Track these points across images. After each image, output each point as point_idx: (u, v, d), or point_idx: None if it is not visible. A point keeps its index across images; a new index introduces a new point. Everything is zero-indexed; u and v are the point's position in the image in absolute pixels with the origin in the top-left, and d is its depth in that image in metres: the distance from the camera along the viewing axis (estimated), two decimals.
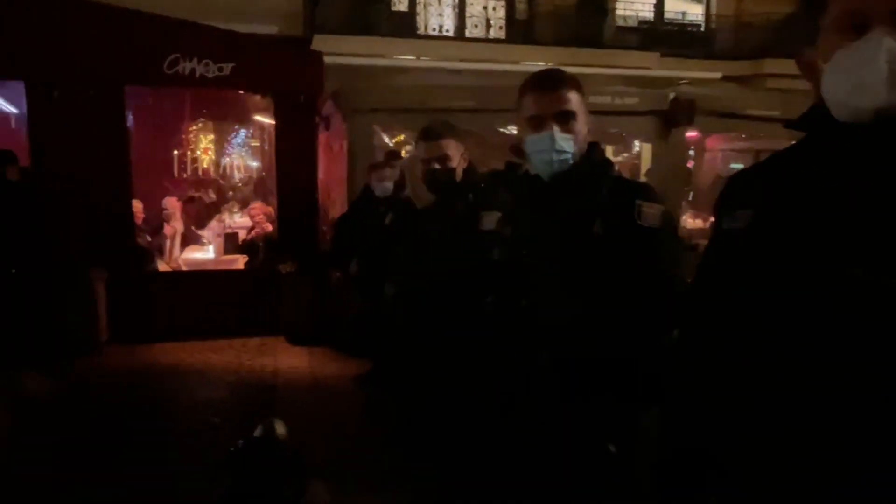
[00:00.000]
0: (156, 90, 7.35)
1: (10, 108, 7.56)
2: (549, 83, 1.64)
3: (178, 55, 6.08)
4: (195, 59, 6.12)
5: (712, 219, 1.23)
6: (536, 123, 1.63)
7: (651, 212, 1.55)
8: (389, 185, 4.90)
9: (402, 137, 7.38)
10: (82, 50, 5.83)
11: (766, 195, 1.02)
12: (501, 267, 1.71)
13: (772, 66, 11.09)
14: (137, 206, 6.95)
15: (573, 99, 1.63)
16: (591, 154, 1.68)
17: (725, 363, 1.02)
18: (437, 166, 2.49)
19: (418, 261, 2.59)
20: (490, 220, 2.33)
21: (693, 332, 1.15)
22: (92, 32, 5.87)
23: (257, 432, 1.39)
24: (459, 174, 2.52)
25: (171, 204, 8.03)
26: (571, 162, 1.62)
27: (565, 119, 1.62)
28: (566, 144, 1.60)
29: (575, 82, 1.66)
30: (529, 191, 1.70)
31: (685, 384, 1.14)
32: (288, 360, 5.74)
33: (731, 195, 1.10)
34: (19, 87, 6.32)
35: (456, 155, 2.51)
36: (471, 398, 2.47)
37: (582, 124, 1.65)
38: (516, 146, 2.06)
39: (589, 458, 1.67)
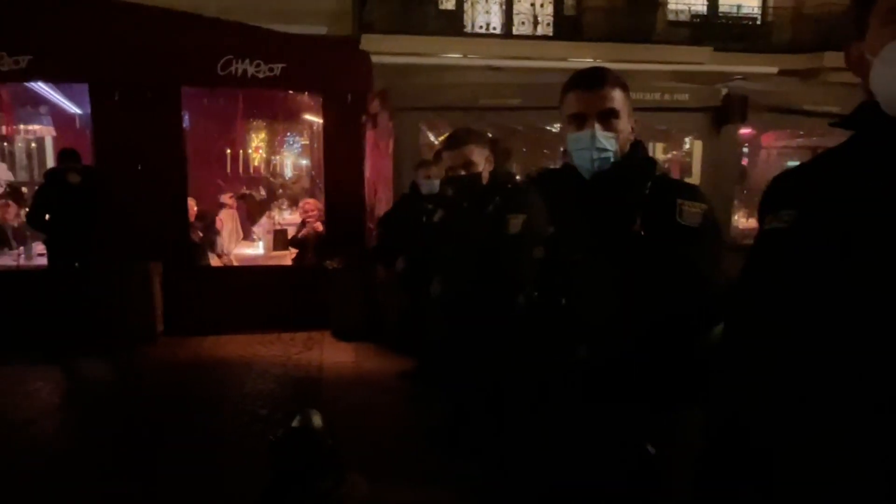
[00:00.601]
0: (208, 91, 7.58)
1: (76, 109, 7.95)
2: (592, 81, 1.63)
3: (231, 56, 6.26)
4: (247, 61, 6.29)
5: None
6: (578, 121, 1.63)
7: (692, 211, 1.53)
8: (436, 182, 4.91)
9: (443, 138, 7.40)
10: (141, 53, 6.06)
11: (811, 194, 0.99)
12: (542, 265, 1.72)
13: (833, 59, 10.65)
14: (190, 202, 7.19)
15: (616, 97, 1.63)
16: (634, 153, 1.66)
17: (770, 362, 1.00)
18: (462, 173, 2.52)
19: (458, 261, 2.62)
20: (516, 224, 2.36)
21: (737, 330, 1.13)
22: (150, 36, 6.10)
23: (294, 423, 1.43)
24: (486, 178, 2.55)
25: (224, 200, 8.29)
26: (612, 160, 1.61)
27: (607, 117, 1.62)
28: (607, 143, 1.60)
29: (619, 80, 1.65)
30: (573, 189, 1.70)
31: (729, 382, 1.12)
32: (334, 354, 5.85)
33: (775, 194, 1.08)
34: (84, 88, 6.65)
35: (480, 160, 2.55)
36: (509, 397, 2.48)
37: (625, 123, 1.64)
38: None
39: (627, 458, 1.66)
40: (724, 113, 6.48)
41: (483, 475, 2.85)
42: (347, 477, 1.40)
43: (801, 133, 7.97)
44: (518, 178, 4.60)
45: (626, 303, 1.51)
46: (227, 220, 8.02)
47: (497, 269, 2.28)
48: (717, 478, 1.19)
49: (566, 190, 1.71)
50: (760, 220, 1.10)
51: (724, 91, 6.57)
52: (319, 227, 7.11)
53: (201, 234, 7.43)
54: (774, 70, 10.29)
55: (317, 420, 1.41)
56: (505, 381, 2.42)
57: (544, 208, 1.80)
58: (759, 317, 1.05)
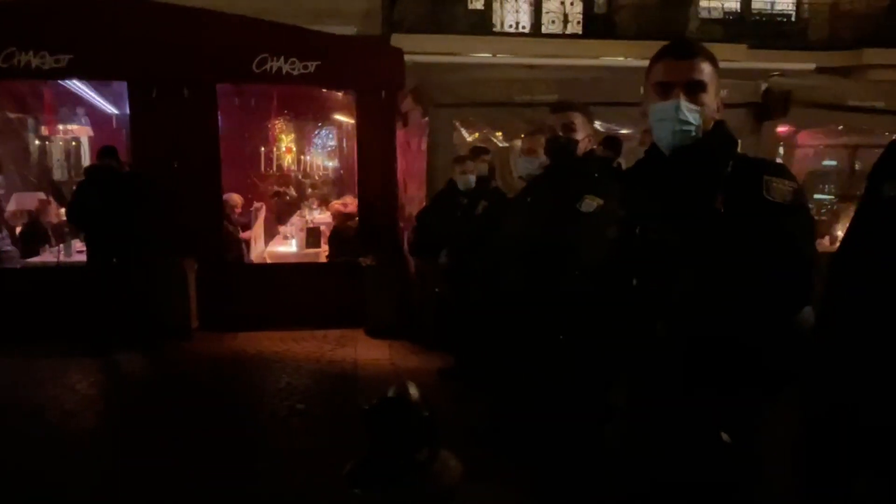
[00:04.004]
0: (240, 90, 7.64)
1: (112, 109, 8.05)
2: (683, 51, 1.59)
3: (266, 54, 6.29)
4: (282, 58, 6.32)
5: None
6: (664, 91, 1.57)
7: (782, 187, 1.47)
8: (472, 177, 4.90)
9: (477, 136, 7.33)
10: (179, 50, 6.11)
11: None
12: (614, 245, 1.66)
13: (871, 56, 10.43)
14: (238, 199, 7.24)
15: (706, 70, 1.57)
16: (717, 130, 1.60)
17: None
18: (561, 134, 2.49)
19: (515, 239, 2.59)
20: (590, 204, 2.30)
21: (853, 301, 1.06)
22: (187, 34, 6.16)
23: (390, 392, 1.38)
24: (582, 149, 2.51)
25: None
26: (693, 135, 1.56)
27: (694, 90, 1.56)
28: (691, 115, 1.54)
29: (710, 55, 1.60)
30: (652, 166, 1.64)
31: (838, 363, 1.05)
32: (368, 351, 5.82)
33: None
34: (121, 88, 6.73)
35: (581, 129, 2.52)
36: (562, 390, 2.41)
37: (711, 98, 1.58)
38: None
39: (699, 447, 1.57)
40: (765, 108, 6.34)
41: (534, 473, 2.78)
42: (442, 452, 1.35)
43: (841, 128, 7.75)
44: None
45: (706, 281, 1.45)
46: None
47: (560, 247, 2.24)
48: (825, 464, 1.12)
49: (645, 168, 1.66)
50: (874, 189, 1.04)
51: (765, 86, 6.43)
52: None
53: (230, 230, 7.43)
54: (811, 67, 10.08)
55: (413, 391, 1.36)
56: (557, 371, 2.36)
57: (619, 194, 1.75)
58: (879, 287, 0.98)
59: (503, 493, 3.17)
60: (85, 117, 8.24)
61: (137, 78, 6.23)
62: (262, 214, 7.89)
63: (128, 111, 6.67)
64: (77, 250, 6.63)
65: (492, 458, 3.22)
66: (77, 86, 7.23)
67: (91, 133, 8.45)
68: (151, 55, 6.09)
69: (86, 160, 8.60)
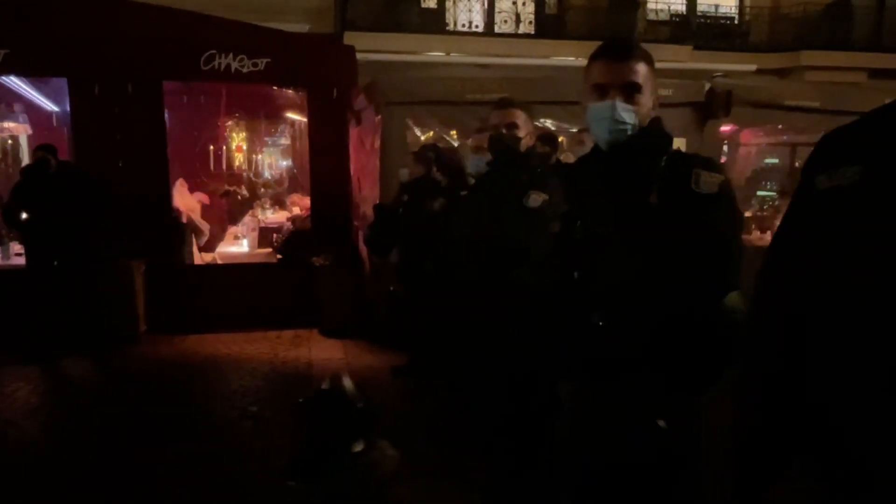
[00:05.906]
0: (190, 88, 7.45)
1: (52, 106, 7.74)
2: (619, 53, 1.63)
3: (214, 51, 6.16)
4: (230, 55, 6.20)
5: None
6: (600, 91, 1.62)
7: (709, 180, 1.54)
8: (405, 171, 5.04)
9: (431, 134, 7.35)
10: (122, 47, 5.94)
11: (879, 148, 0.97)
12: (557, 240, 1.70)
13: (810, 58, 10.86)
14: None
15: (641, 71, 1.63)
16: (652, 127, 1.66)
17: (827, 325, 0.98)
18: (504, 132, 2.53)
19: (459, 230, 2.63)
20: (536, 199, 2.35)
21: (783, 294, 1.11)
22: (131, 30, 5.98)
23: (325, 385, 1.39)
24: (524, 146, 2.56)
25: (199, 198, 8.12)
26: (630, 133, 1.61)
27: (630, 91, 1.61)
28: (627, 116, 1.60)
29: (646, 55, 1.66)
30: (592, 163, 1.69)
31: (772, 350, 1.10)
32: (322, 351, 5.77)
33: (830, 152, 1.06)
34: (61, 84, 6.48)
35: (524, 127, 2.58)
36: (510, 383, 2.46)
37: (647, 98, 1.64)
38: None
39: (636, 434, 1.62)
40: (708, 108, 6.54)
41: (488, 469, 2.81)
42: (377, 442, 1.36)
43: (781, 127, 8.06)
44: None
45: (641, 272, 1.51)
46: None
47: (508, 242, 2.28)
48: (755, 455, 1.16)
49: (587, 164, 1.71)
50: (807, 181, 1.08)
51: (708, 86, 6.63)
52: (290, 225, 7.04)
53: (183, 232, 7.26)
54: (753, 68, 10.46)
55: (347, 383, 1.37)
56: (509, 363, 2.39)
57: (562, 189, 1.80)
58: (812, 278, 1.03)
59: (456, 487, 3.20)
60: (23, 115, 7.90)
61: (78, 74, 6.03)
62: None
63: (69, 108, 6.45)
64: (16, 253, 6.37)
65: (445, 453, 3.24)
66: (14, 82, 6.94)
67: (30, 131, 8.10)
68: (93, 51, 5.91)
69: (24, 159, 8.26)
